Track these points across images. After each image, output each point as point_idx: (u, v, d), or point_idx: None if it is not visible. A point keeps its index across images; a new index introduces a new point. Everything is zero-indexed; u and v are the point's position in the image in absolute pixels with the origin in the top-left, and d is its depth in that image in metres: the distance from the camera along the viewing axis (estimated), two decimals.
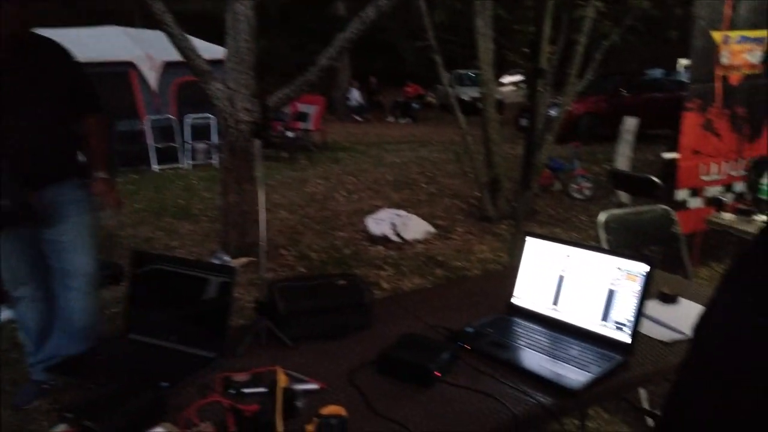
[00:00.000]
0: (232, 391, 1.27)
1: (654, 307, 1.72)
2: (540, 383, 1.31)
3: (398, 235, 4.88)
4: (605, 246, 2.58)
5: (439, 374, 1.33)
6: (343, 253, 4.66)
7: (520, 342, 1.50)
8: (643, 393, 2.39)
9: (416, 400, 1.25)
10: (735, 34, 3.51)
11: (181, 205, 6.43)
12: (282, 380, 1.17)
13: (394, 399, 1.26)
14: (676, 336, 1.54)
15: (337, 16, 16.39)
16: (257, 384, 1.28)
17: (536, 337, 1.52)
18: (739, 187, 3.90)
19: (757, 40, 3.62)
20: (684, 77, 10.87)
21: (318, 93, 10.85)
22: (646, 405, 2.36)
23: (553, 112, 6.10)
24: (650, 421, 2.36)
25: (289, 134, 9.96)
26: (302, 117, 10.53)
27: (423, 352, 1.37)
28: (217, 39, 7.68)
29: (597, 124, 10.96)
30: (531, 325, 1.59)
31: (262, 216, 1.64)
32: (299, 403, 1.19)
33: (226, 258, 4.28)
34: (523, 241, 1.72)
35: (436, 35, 5.54)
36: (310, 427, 1.09)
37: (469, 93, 15.78)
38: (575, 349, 1.45)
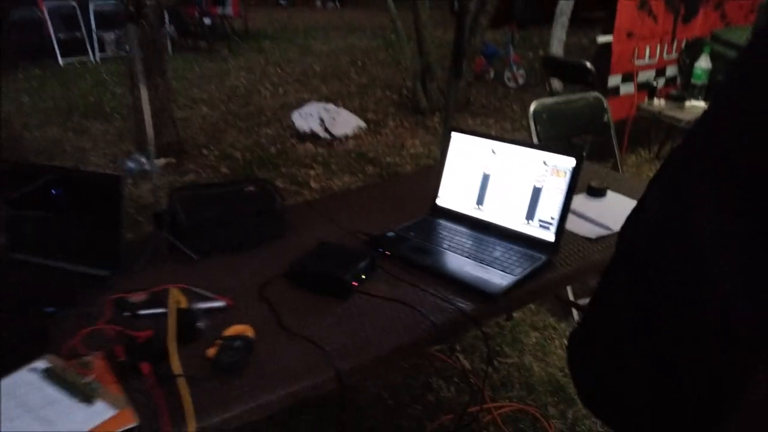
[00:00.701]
0: (127, 314, 1.13)
1: (582, 201, 1.68)
2: (461, 288, 1.25)
3: (327, 130, 4.67)
4: (535, 137, 2.52)
5: (356, 284, 1.24)
6: (269, 152, 4.43)
7: (442, 246, 1.42)
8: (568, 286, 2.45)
9: (331, 313, 1.17)
10: None
11: (91, 103, 5.86)
12: (176, 300, 1.05)
13: (307, 313, 1.17)
14: (602, 232, 1.51)
15: None
16: (155, 304, 1.15)
17: (460, 239, 1.45)
18: (672, 71, 3.88)
19: None
20: None
21: None
22: (571, 297, 2.43)
23: None
24: (575, 313, 2.45)
25: (207, 21, 9.13)
26: (220, 1, 9.64)
27: (339, 262, 1.27)
28: None
29: (532, 5, 10.63)
30: (455, 227, 1.51)
31: (147, 113, 1.43)
32: (201, 325, 1.08)
33: (143, 160, 3.97)
34: (448, 138, 1.60)
35: None
36: (211, 351, 0.99)
37: None
38: (499, 250, 1.39)
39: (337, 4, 15.94)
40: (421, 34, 5.35)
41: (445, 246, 1.42)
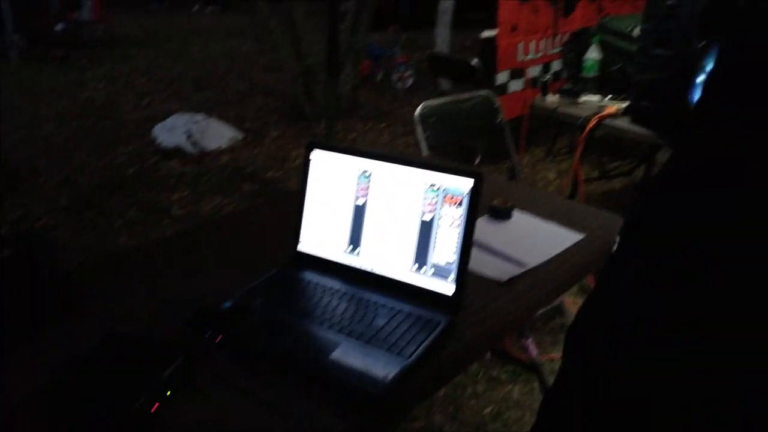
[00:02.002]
0: None
1: (484, 227, 1.33)
2: (331, 388, 0.84)
3: (196, 144, 4.09)
4: (424, 144, 2.18)
5: (156, 406, 0.78)
6: (125, 174, 3.78)
7: (304, 316, 1.00)
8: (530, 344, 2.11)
9: None
10: None
11: None
12: None
13: None
14: (515, 270, 1.15)
15: None
16: None
17: (329, 303, 1.03)
18: (557, 65, 3.75)
19: None
20: None
21: None
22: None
23: None
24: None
25: (60, 27, 8.07)
26: (78, 5, 8.59)
27: (128, 373, 0.81)
28: None
29: (416, 7, 10.58)
30: (323, 283, 1.09)
31: None
32: None
33: None
34: (308, 157, 1.19)
35: None
36: None
37: None
38: (382, 316, 0.98)
39: (218, 7, 15.05)
40: (296, 34, 4.91)
41: (308, 317, 0.99)
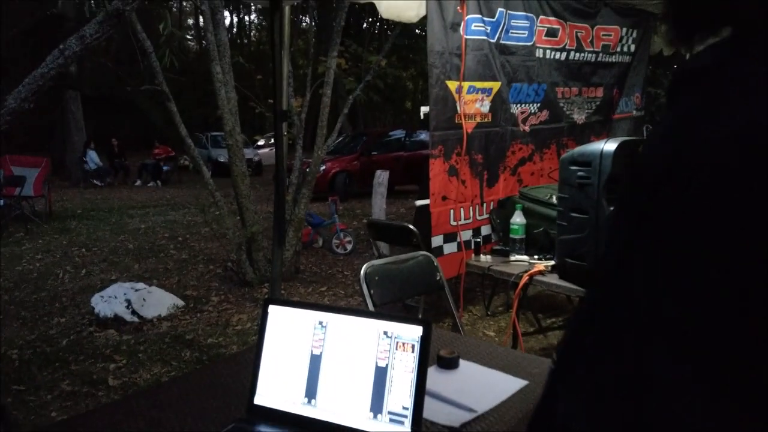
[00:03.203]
0: None
1: (434, 376, 1.39)
2: None
3: (135, 313, 4.01)
4: (370, 301, 2.28)
5: None
6: (58, 346, 3.61)
7: None
8: None
9: None
10: (466, 84, 3.70)
11: None
12: None
13: None
14: (466, 416, 1.22)
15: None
16: None
17: None
18: (485, 230, 4.07)
19: (484, 91, 3.88)
20: (424, 137, 11.97)
21: (42, 155, 9.19)
22: None
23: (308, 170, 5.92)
24: None
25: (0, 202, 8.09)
26: (17, 181, 8.71)
27: None
28: None
29: (352, 182, 11.41)
30: None
31: None
32: None
33: None
34: (266, 313, 1.26)
35: (173, 97, 4.95)
36: None
37: (225, 155, 15.17)
38: None
39: (158, 182, 15.55)
40: (241, 204, 5.17)
41: None
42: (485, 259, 2.91)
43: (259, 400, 1.19)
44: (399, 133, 13.92)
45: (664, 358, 0.41)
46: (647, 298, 0.43)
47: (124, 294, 4.12)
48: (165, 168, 16.12)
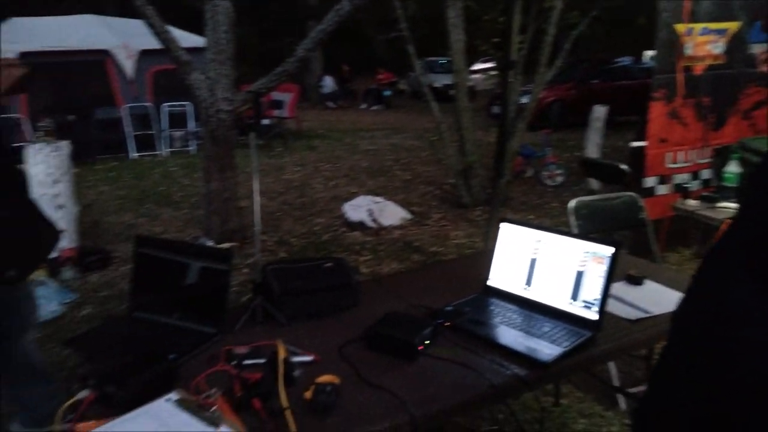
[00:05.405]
0: (234, 363, 1.35)
1: (621, 288, 1.85)
2: (515, 357, 1.43)
3: (375, 221, 4.98)
4: (575, 231, 2.72)
5: (421, 348, 1.44)
6: (321, 239, 4.75)
7: (496, 320, 1.62)
8: (614, 372, 2.54)
9: (402, 372, 1.36)
10: (698, 26, 3.67)
11: (161, 192, 6.43)
12: (282, 352, 1.27)
13: (381, 370, 1.36)
14: (641, 314, 1.67)
15: (308, 4, 16.25)
16: (257, 356, 1.37)
17: (511, 315, 1.64)
18: (706, 174, 4.06)
19: (718, 32, 3.78)
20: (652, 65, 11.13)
21: (292, 81, 10.84)
22: (616, 383, 2.52)
23: (524, 100, 6.23)
24: (622, 400, 2.52)
25: (265, 122, 9.93)
26: (277, 105, 10.51)
27: (406, 328, 1.48)
28: (187, 25, 7.66)
29: (567, 112, 11.17)
30: (506, 305, 1.70)
31: (256, 203, 1.72)
32: (296, 373, 1.29)
33: (210, 243, 4.32)
34: (498, 227, 1.84)
35: (408, 26, 5.62)
36: (307, 393, 1.19)
37: (441, 80, 15.88)
38: (547, 326, 1.57)
39: (382, 106, 16.99)
40: (462, 135, 5.78)
41: (499, 320, 1.61)
42: (693, 203, 3.09)
43: (491, 282, 1.80)
44: (625, 60, 13.03)
45: None
46: None
47: (367, 204, 5.11)
48: (386, 93, 17.50)
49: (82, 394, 1.17)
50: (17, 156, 3.52)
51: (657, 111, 3.85)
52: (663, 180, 4.03)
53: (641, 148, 4.00)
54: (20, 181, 1.72)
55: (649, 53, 14.88)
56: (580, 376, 2.66)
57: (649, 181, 4.00)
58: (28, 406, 2.15)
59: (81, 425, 1.10)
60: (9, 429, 2.21)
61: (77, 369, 2.43)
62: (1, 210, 1.55)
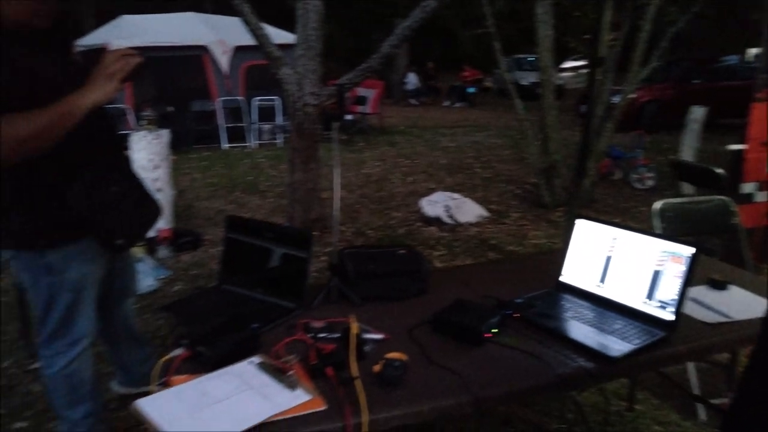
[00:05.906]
0: (310, 335, 1.45)
1: (702, 291, 1.79)
2: (583, 351, 1.43)
3: (452, 217, 5.00)
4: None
5: (488, 335, 1.47)
6: (397, 233, 4.83)
7: (566, 314, 1.62)
8: (694, 380, 2.43)
9: (467, 356, 1.40)
10: None
11: (249, 181, 6.80)
12: (354, 327, 1.35)
13: (447, 353, 1.41)
14: (721, 319, 1.61)
15: (395, 2, 16.39)
16: (331, 330, 1.46)
17: (582, 311, 1.63)
18: None
19: None
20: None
21: (376, 77, 11.02)
22: (697, 392, 2.41)
23: (615, 99, 6.00)
24: (702, 410, 2.41)
25: (348, 117, 10.18)
26: (361, 101, 10.74)
27: (474, 316, 1.51)
28: (278, 22, 8.01)
29: (662, 113, 10.61)
30: (578, 301, 1.70)
31: (337, 192, 1.82)
32: (367, 348, 1.37)
33: None
34: (573, 223, 1.83)
35: (495, 22, 5.57)
36: (376, 367, 1.27)
37: (527, 78, 15.55)
38: (619, 323, 1.55)
39: (466, 104, 16.88)
40: (547, 134, 5.66)
41: (569, 315, 1.61)
42: None
43: (564, 278, 1.79)
44: (732, 59, 12.17)
45: None
46: None
47: (444, 200, 5.14)
48: (470, 90, 17.35)
49: (176, 351, 1.31)
50: (124, 141, 3.86)
51: (760, 112, 3.62)
52: (763, 186, 3.78)
53: (741, 151, 3.77)
54: (127, 163, 1.93)
55: (753, 51, 13.80)
56: (657, 383, 2.57)
57: (747, 187, 3.76)
58: (126, 366, 2.40)
59: (175, 378, 1.24)
60: (109, 386, 2.48)
61: (171, 332, 2.66)
62: (113, 185, 1.74)
